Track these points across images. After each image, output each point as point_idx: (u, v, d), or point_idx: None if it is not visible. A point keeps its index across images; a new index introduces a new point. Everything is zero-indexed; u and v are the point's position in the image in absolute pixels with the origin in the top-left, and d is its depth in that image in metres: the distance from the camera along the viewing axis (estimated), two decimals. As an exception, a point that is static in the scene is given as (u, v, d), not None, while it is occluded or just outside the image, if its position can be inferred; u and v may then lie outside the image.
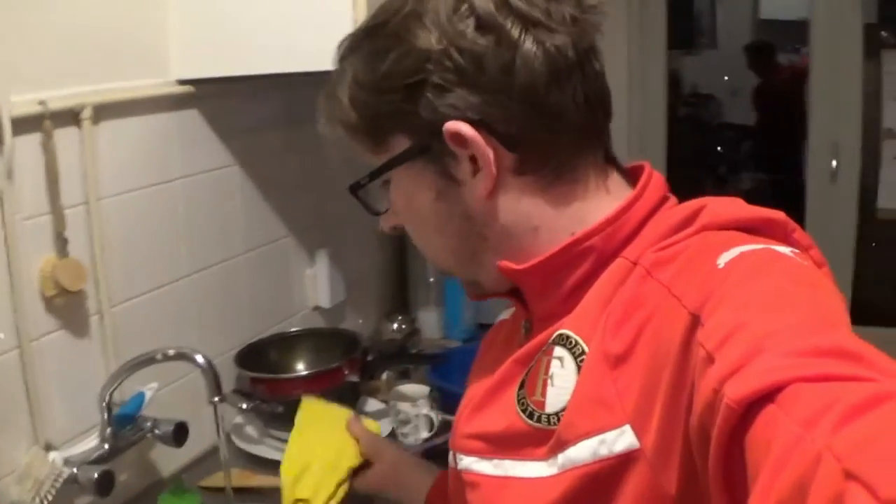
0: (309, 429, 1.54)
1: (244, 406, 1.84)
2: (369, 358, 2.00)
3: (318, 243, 2.37)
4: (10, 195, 1.42)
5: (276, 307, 2.23)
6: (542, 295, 0.97)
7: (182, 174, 1.85)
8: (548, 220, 0.94)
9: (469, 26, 0.87)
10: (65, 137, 1.53)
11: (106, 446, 1.55)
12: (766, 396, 0.57)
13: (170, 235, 1.84)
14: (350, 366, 1.93)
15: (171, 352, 1.54)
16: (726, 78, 6.59)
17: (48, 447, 1.50)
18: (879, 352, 0.60)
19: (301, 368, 2.07)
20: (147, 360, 1.54)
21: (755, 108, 6.15)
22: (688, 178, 4.98)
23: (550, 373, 0.89)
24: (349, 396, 1.90)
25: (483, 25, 0.87)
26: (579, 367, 0.86)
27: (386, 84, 0.92)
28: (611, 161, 1.00)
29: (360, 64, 0.95)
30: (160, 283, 1.81)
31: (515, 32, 0.87)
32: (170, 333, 1.81)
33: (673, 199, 0.98)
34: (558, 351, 0.89)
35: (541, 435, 0.89)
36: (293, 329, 2.21)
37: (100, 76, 1.63)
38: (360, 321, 2.61)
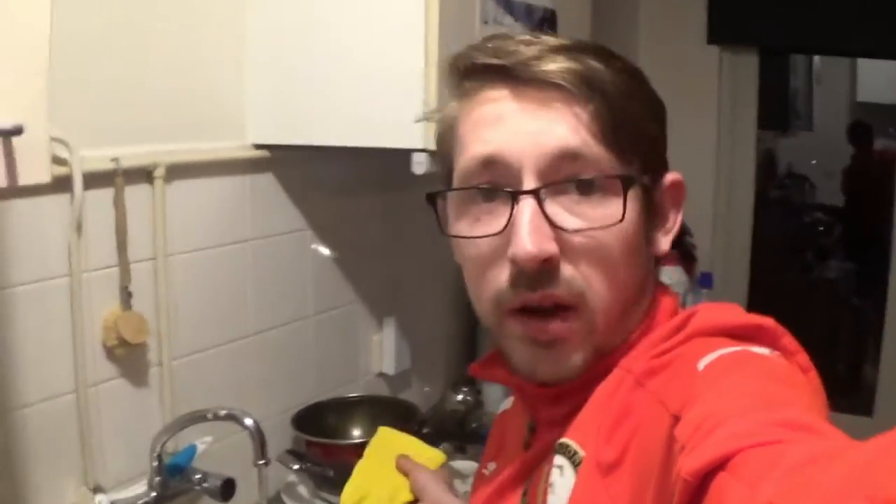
0: (375, 457, 1.53)
1: (295, 467, 1.87)
2: (424, 431, 2.01)
3: (386, 310, 2.40)
4: (78, 247, 1.50)
5: (340, 371, 2.27)
6: (554, 405, 0.97)
7: (253, 236, 1.92)
8: (641, 308, 0.96)
9: None
10: (137, 194, 1.62)
11: (153, 494, 1.60)
12: (719, 466, 0.60)
13: (237, 294, 1.90)
14: (403, 435, 1.95)
15: (222, 412, 1.58)
16: (821, 160, 6.53)
17: (96, 489, 1.56)
18: (832, 425, 0.63)
19: (356, 435, 2.10)
20: (198, 417, 1.59)
21: (844, 192, 6.09)
22: (773, 266, 4.91)
23: (551, 481, 0.89)
24: (402, 466, 1.92)
25: None
26: (576, 475, 0.87)
27: (653, 110, 0.95)
28: None
29: (625, 79, 0.91)
30: (224, 340, 1.87)
31: None
32: (230, 390, 1.87)
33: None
34: (558, 460, 0.90)
35: None
36: (352, 395, 2.25)
37: (175, 136, 1.72)
38: (427, 389, 2.63)
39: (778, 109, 5.47)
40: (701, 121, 3.79)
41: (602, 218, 0.86)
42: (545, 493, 0.90)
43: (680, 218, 0.96)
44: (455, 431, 2.29)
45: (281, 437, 2.00)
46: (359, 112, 1.76)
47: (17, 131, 0.99)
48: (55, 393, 1.51)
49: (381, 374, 2.42)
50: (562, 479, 0.88)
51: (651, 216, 0.92)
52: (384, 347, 2.39)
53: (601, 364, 0.91)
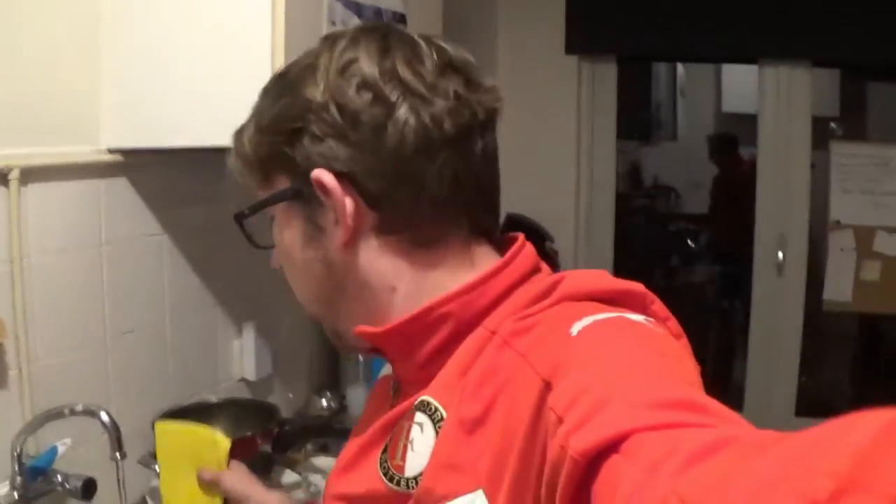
0: (175, 465, 1.62)
1: (157, 468, 1.97)
2: (285, 428, 2.14)
3: (245, 315, 2.52)
4: (-66, 248, 1.59)
5: (201, 376, 2.38)
6: (402, 359, 1.04)
7: (109, 240, 2.02)
8: (406, 284, 1.02)
9: (352, 85, 0.96)
10: (-9, 197, 1.71)
11: (16, 495, 1.68)
12: (611, 447, 0.62)
13: (94, 298, 1.99)
14: (265, 436, 2.07)
15: (78, 407, 1.70)
16: (686, 170, 6.84)
17: (-44, 491, 1.64)
18: (723, 405, 0.65)
19: (217, 437, 2.20)
20: (55, 414, 1.70)
21: (712, 200, 6.41)
22: (637, 269, 5.18)
23: (411, 438, 0.95)
24: (263, 466, 2.04)
25: (364, 85, 0.96)
26: (437, 433, 0.92)
27: (274, 126, 1.02)
28: (484, 235, 1.06)
29: (262, 105, 1.07)
30: (82, 343, 1.96)
31: (393, 97, 0.95)
32: (90, 393, 1.95)
33: (544, 272, 1.05)
34: (419, 417, 0.95)
35: (400, 498, 0.94)
36: (214, 398, 2.35)
37: (30, 140, 1.81)
38: (291, 396, 2.75)
39: (640, 119, 5.74)
40: (561, 129, 4.01)
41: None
42: (405, 450, 0.95)
43: (339, 206, 0.98)
44: (308, 430, 2.41)
45: (145, 442, 2.09)
46: (209, 113, 1.87)
47: None
48: (-89, 394, 1.59)
49: (243, 380, 2.52)
50: (422, 436, 0.93)
51: (314, 219, 1.02)
52: (244, 352, 2.51)
53: (371, 338, 1.04)
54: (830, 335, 4.62)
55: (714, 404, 0.66)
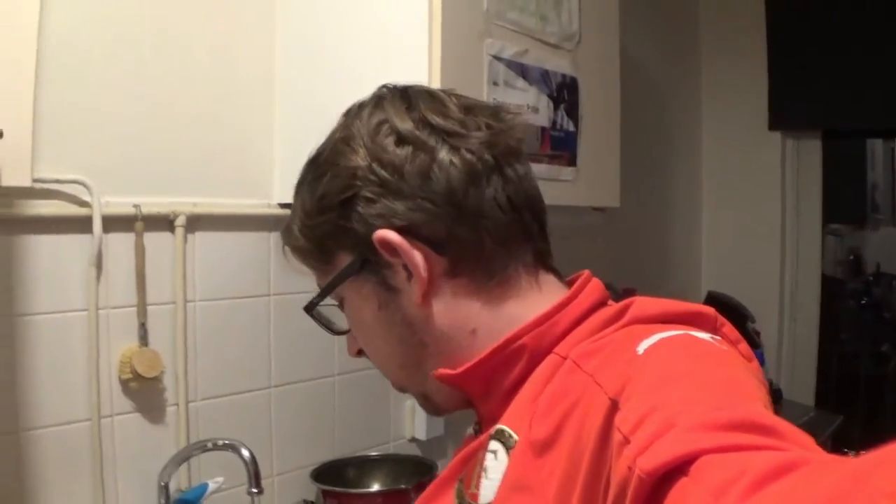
0: None
1: (309, 516, 1.98)
2: (431, 486, 2.11)
3: (419, 375, 2.49)
4: (97, 283, 1.68)
5: (370, 433, 2.37)
6: (484, 398, 1.01)
7: (277, 291, 2.07)
8: (484, 322, 1.00)
9: (390, 142, 0.98)
10: (158, 240, 1.79)
11: (161, 525, 1.72)
12: (678, 468, 0.59)
13: (258, 346, 2.04)
14: (418, 490, 2.04)
15: (221, 442, 1.74)
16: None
17: (107, 515, 1.69)
18: (791, 424, 0.62)
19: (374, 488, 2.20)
20: (200, 447, 1.74)
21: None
22: (843, 354, 4.90)
23: (485, 465, 0.93)
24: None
25: (402, 140, 0.98)
26: (509, 457, 0.90)
27: (323, 204, 1.01)
28: (547, 266, 1.06)
29: (305, 193, 1.06)
30: (245, 388, 2.01)
31: (432, 142, 0.97)
32: (249, 436, 1.95)
33: (611, 304, 1.02)
34: (493, 444, 0.93)
35: None
36: (374, 453, 2.35)
37: (202, 191, 1.90)
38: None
39: (854, 202, 5.46)
40: (765, 207, 3.87)
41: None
42: (479, 478, 0.93)
43: (409, 259, 0.97)
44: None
45: (302, 488, 2.11)
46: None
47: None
48: (71, 419, 1.67)
49: (414, 440, 2.50)
50: (495, 462, 0.91)
51: (386, 282, 1.00)
52: (416, 412, 2.48)
53: (450, 379, 1.00)
54: None
55: (783, 425, 0.62)
